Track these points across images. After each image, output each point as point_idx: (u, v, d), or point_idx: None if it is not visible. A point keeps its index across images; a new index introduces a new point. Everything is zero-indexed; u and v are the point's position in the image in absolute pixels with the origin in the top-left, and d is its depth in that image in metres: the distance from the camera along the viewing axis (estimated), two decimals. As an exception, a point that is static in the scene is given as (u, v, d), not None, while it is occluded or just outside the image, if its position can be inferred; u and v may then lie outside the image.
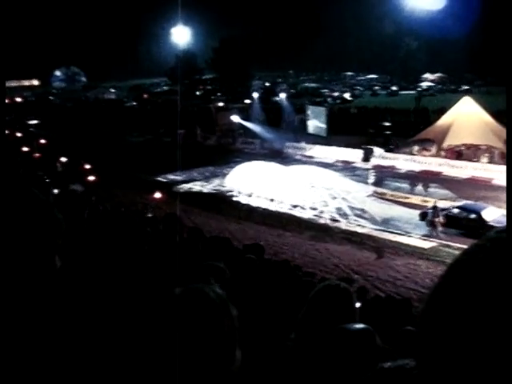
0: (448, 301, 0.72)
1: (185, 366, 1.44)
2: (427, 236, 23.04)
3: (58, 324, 1.72)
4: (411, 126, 45.55)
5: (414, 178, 33.04)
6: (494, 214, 22.32)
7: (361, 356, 2.17)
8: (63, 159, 36.48)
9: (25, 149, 37.65)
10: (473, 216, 22.49)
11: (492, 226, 19.10)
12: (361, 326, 2.35)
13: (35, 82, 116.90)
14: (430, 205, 24.23)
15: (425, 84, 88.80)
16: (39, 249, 1.78)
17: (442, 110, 44.29)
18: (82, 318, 1.82)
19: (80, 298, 1.92)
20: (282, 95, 57.57)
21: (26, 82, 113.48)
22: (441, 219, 22.63)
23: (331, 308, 2.55)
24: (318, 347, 2.33)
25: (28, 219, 1.78)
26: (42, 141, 42.77)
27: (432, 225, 22.86)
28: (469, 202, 25.16)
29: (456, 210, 23.25)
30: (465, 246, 0.87)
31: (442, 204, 24.35)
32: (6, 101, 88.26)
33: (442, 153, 36.50)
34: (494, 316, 0.67)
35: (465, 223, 22.35)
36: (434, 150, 37.17)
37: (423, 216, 23.82)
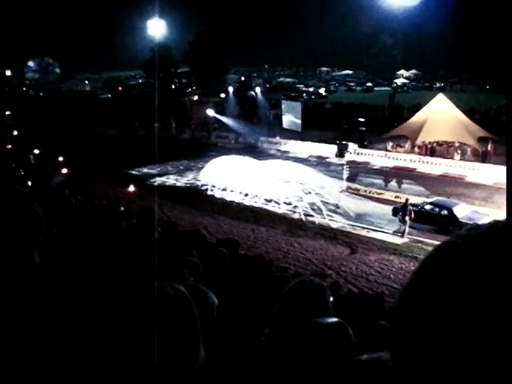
0: (421, 295, 0.73)
1: (144, 364, 1.43)
2: (398, 232, 23.29)
3: (36, 320, 1.70)
4: (385, 122, 45.88)
5: (387, 174, 33.28)
6: (465, 211, 22.92)
7: (334, 350, 2.17)
8: (36, 151, 36.11)
9: (-4, 140, 37.15)
10: (444, 212, 22.88)
11: (463, 223, 20.73)
12: (333, 319, 2.35)
13: (8, 73, 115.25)
14: (402, 201, 24.48)
15: (399, 81, 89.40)
16: (18, 245, 1.76)
17: (417, 107, 44.71)
18: (61, 314, 1.80)
19: (57, 294, 1.90)
20: (257, 90, 57.59)
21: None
22: (412, 216, 22.78)
23: (305, 303, 2.55)
24: (292, 342, 2.34)
25: (7, 215, 1.75)
26: (15, 132, 42.27)
27: (403, 221, 23.06)
28: (441, 198, 25.47)
29: (428, 207, 23.62)
30: (436, 242, 0.89)
31: (414, 200, 24.65)
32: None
33: (416, 149, 36.83)
34: (464, 309, 0.68)
35: (437, 219, 22.76)
36: (407, 146, 37.50)
37: (395, 212, 24.21)
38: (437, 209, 23.20)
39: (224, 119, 48.26)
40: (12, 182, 1.94)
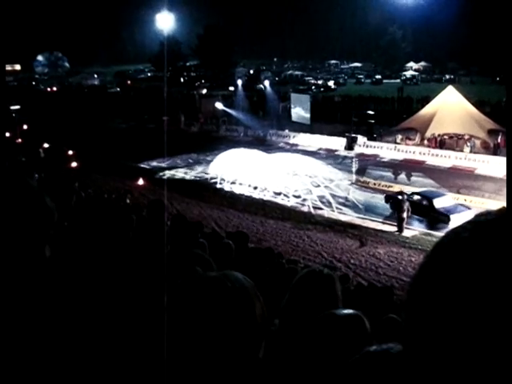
0: (432, 281, 0.73)
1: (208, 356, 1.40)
2: (389, 218, 23.46)
3: (49, 316, 1.70)
4: (395, 114, 45.71)
5: (397, 166, 33.19)
6: (446, 203, 23.90)
7: (351, 341, 2.17)
8: (46, 145, 36.27)
9: (7, 134, 37.38)
10: (425, 202, 23.96)
11: (441, 213, 22.80)
12: (350, 311, 2.35)
13: (17, 67, 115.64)
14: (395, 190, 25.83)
15: (409, 73, 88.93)
16: (29, 238, 1.76)
17: (426, 99, 44.50)
18: (74, 310, 1.80)
19: (70, 289, 1.90)
20: (266, 83, 57.52)
21: (9, 67, 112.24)
22: (409, 210, 22.81)
23: (315, 294, 2.55)
24: (304, 333, 2.33)
25: (19, 208, 1.75)
26: (25, 126, 42.47)
27: (399, 217, 22.90)
28: (429, 189, 26.36)
29: (416, 197, 24.53)
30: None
31: (406, 191, 25.42)
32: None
33: (425, 142, 36.70)
34: (475, 298, 0.67)
35: (419, 208, 23.80)
36: (417, 139, 37.36)
37: (387, 199, 25.19)
38: (421, 199, 24.27)
39: (232, 112, 48.25)
40: (24, 176, 1.93)
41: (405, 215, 22.58)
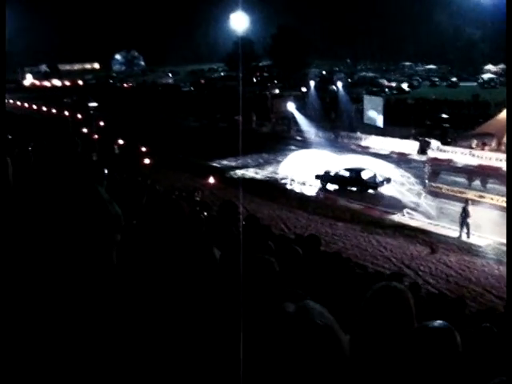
0: None
1: None
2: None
3: (114, 323, 1.72)
4: (470, 119, 44.50)
5: (471, 172, 32.26)
6: (369, 175, 29.08)
7: (443, 356, 2.13)
8: (120, 141, 37.20)
9: (84, 130, 38.57)
10: (354, 175, 29.10)
11: (367, 182, 28.78)
12: (441, 323, 2.31)
13: (96, 66, 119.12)
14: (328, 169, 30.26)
15: (487, 76, 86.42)
16: (97, 246, 1.79)
17: (505, 103, 43.15)
18: (140, 319, 1.81)
19: (137, 296, 1.92)
20: (339, 84, 57.11)
21: (88, 66, 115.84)
22: (469, 216, 22.81)
23: (390, 311, 2.50)
24: (395, 347, 2.30)
25: (87, 216, 1.79)
26: (101, 123, 43.69)
27: (463, 223, 22.83)
28: (353, 166, 30.35)
29: (343, 172, 29.63)
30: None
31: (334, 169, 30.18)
32: (68, 84, 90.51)
33: (503, 147, 35.55)
34: None
35: (348, 181, 29.13)
36: (494, 144, 36.22)
37: (317, 177, 30.27)
38: (348, 173, 29.45)
39: (304, 113, 48.06)
40: (93, 183, 1.98)
41: (469, 220, 22.56)
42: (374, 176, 29.13)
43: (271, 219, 21.10)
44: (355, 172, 29.38)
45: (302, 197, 28.67)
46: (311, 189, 29.76)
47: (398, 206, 26.21)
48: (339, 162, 30.91)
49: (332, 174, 29.95)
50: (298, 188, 30.02)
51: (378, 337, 2.40)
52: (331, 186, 29.90)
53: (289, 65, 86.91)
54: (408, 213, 25.32)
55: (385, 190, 28.59)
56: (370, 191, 28.70)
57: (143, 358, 1.75)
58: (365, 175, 29.07)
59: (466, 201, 24.81)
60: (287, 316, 1.40)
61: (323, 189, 29.92)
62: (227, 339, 1.72)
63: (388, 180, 29.03)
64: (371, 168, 30.00)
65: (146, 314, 1.86)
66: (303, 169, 30.85)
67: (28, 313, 1.64)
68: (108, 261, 1.84)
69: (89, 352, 1.64)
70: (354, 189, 28.88)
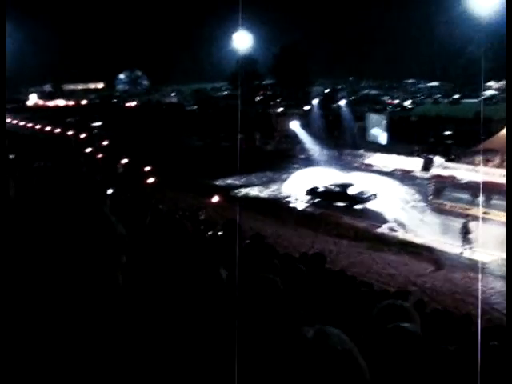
0: None
1: None
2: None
3: (119, 342, 1.71)
4: (473, 135, 44.46)
5: (475, 189, 32.21)
6: (355, 190, 30.20)
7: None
8: (124, 161, 37.29)
9: (88, 150, 38.73)
10: (341, 190, 30.30)
11: (354, 197, 29.79)
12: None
13: (100, 85, 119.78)
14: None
15: (489, 92, 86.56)
16: (102, 267, 1.79)
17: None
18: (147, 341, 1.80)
19: (145, 315, 1.91)
20: (342, 102, 57.27)
21: (92, 85, 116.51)
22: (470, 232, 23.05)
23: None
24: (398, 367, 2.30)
25: (92, 237, 1.80)
26: (105, 142, 43.88)
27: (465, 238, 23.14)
28: (341, 182, 31.60)
29: (332, 187, 30.88)
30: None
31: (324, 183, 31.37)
32: (72, 103, 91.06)
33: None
34: None
35: (336, 196, 30.23)
36: (497, 160, 36.19)
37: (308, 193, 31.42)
38: (337, 188, 30.65)
39: (308, 131, 48.09)
40: (98, 204, 1.98)
41: (470, 236, 22.92)
42: (362, 191, 30.06)
43: (276, 237, 21.07)
44: (342, 187, 30.61)
45: (305, 214, 28.65)
46: (315, 207, 29.73)
47: (402, 223, 26.16)
48: (343, 180, 30.93)
49: (320, 189, 31.21)
50: (301, 206, 30.01)
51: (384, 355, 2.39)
52: (319, 201, 30.90)
53: (292, 83, 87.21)
54: (412, 230, 25.27)
55: (389, 207, 28.52)
56: (359, 206, 29.53)
57: (146, 378, 1.75)
58: (351, 190, 30.23)
59: (466, 217, 24.84)
60: (306, 342, 1.36)
61: (313, 204, 30.89)
62: (234, 358, 1.72)
63: (374, 195, 29.96)
64: (361, 183, 31.16)
65: (152, 334, 1.86)
66: (307, 187, 30.87)
67: (31, 333, 1.64)
68: (113, 282, 1.84)
69: (90, 371, 1.64)
70: (341, 204, 29.99)
